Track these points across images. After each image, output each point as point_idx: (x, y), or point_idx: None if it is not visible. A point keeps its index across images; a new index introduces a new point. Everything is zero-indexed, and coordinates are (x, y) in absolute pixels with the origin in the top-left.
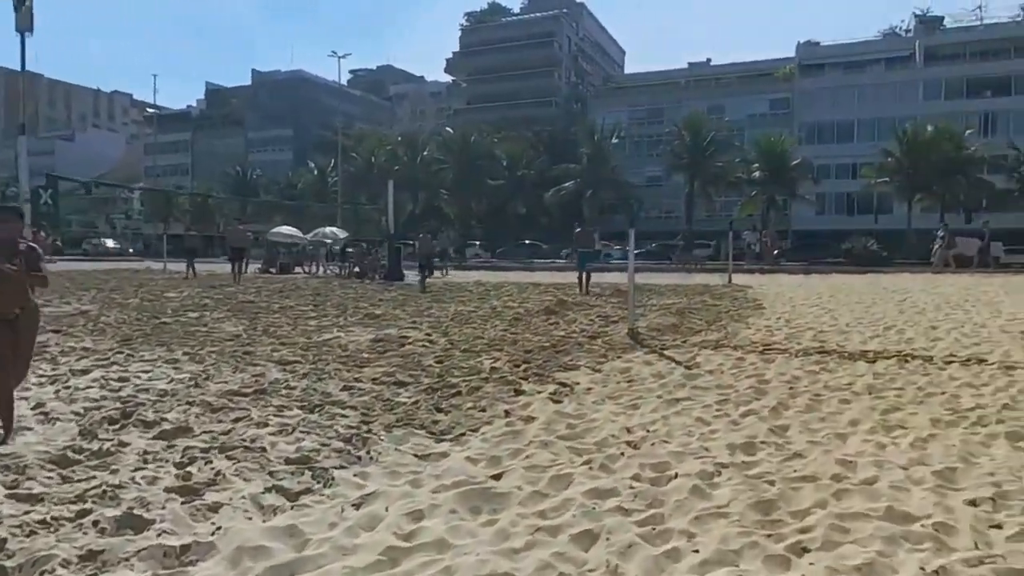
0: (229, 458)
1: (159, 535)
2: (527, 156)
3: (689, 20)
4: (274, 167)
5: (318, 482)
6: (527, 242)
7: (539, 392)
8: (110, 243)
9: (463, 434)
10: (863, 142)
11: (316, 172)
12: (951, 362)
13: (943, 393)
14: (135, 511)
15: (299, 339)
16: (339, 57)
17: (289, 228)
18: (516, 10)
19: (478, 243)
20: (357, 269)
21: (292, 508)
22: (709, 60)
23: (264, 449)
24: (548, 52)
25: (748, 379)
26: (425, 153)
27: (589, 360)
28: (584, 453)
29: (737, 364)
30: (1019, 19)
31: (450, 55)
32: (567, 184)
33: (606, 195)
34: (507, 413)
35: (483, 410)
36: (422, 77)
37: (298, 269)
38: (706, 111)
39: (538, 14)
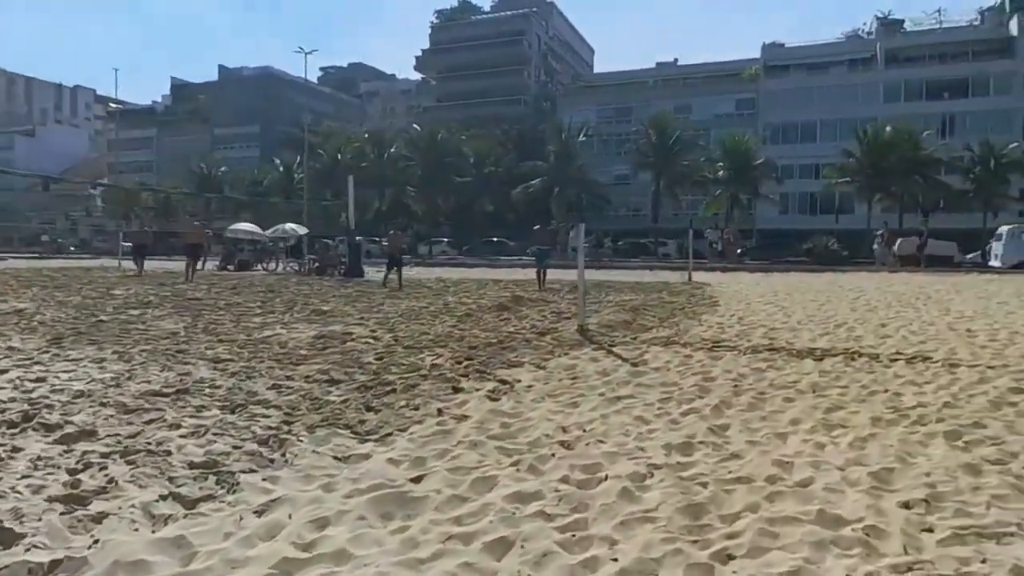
0: (129, 463)
1: (28, 550)
2: (495, 154)
3: (658, 20)
4: (241, 164)
5: (222, 487)
6: (495, 239)
7: (478, 390)
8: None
9: (390, 434)
10: (826, 142)
11: (282, 169)
12: (897, 360)
13: (886, 391)
14: (6, 524)
15: (238, 336)
16: (305, 53)
17: (248, 224)
18: (486, 8)
19: (445, 240)
20: (317, 265)
21: (186, 517)
22: (676, 60)
23: (169, 453)
24: (518, 50)
25: (694, 376)
26: (392, 150)
27: (534, 357)
28: (514, 454)
29: (684, 361)
30: (977, 23)
31: (420, 53)
32: (534, 182)
33: (573, 193)
34: (440, 411)
35: (416, 408)
36: (393, 75)
37: (258, 266)
38: (673, 110)
39: (508, 12)
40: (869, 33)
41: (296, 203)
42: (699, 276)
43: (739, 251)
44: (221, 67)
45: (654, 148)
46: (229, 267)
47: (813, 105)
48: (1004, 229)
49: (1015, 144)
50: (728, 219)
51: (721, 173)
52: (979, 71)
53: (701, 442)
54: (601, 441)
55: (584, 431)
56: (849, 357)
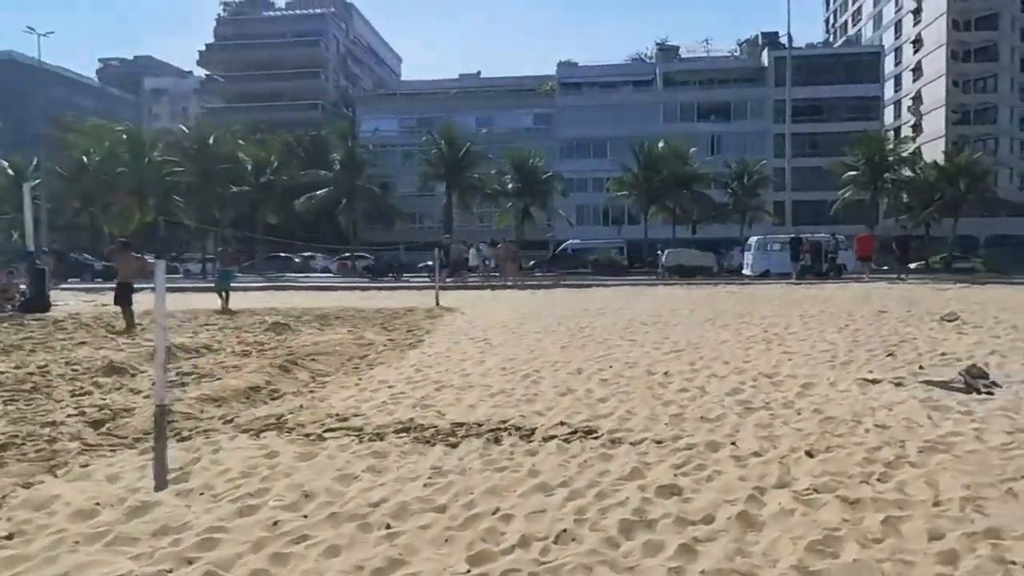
0: None
1: None
2: (280, 160)
3: (465, 32)
4: None
5: None
6: (282, 255)
7: None
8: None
9: None
10: (615, 158)
11: (12, 173)
12: (552, 437)
13: (494, 513)
14: None
15: None
16: (39, 35)
17: None
18: (281, 4)
19: None
20: None
21: None
22: (479, 72)
23: None
24: (314, 52)
25: (233, 505)
26: (156, 154)
27: (7, 483)
28: None
29: (255, 467)
30: (736, 54)
31: (203, 47)
32: (319, 192)
33: (363, 204)
34: None
35: None
36: (191, 72)
37: None
38: (475, 123)
39: (302, 11)
40: (650, 57)
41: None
42: (463, 297)
43: (532, 264)
44: None
45: (444, 160)
46: None
47: (603, 122)
48: (752, 240)
49: (764, 162)
50: (519, 231)
51: (511, 186)
52: (739, 96)
53: None
54: None
55: None
56: (495, 438)
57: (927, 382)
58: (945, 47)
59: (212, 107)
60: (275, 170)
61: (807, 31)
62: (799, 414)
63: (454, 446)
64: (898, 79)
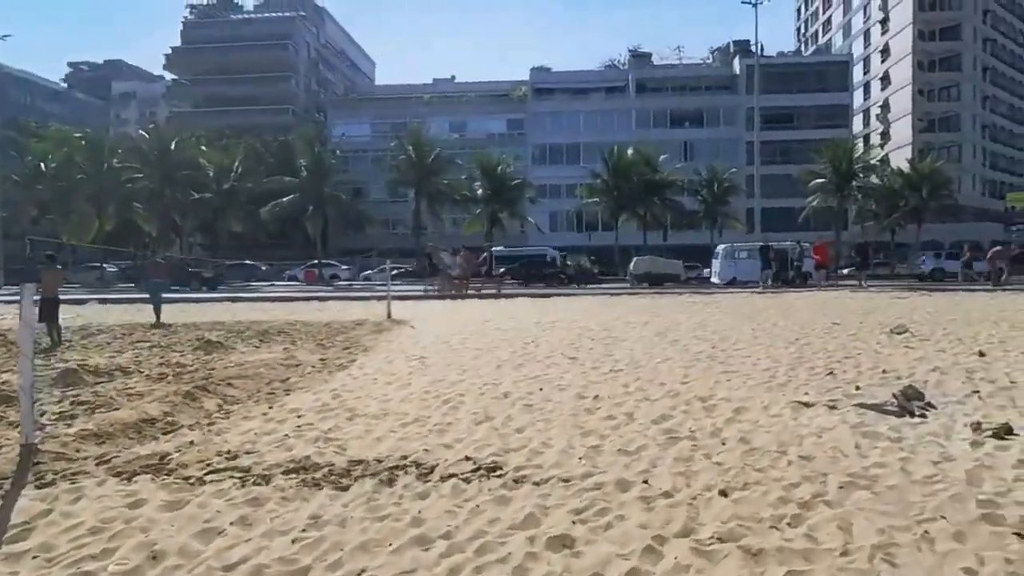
0: None
1: None
2: (246, 166)
3: (438, 37)
4: None
5: None
6: (247, 262)
7: None
8: None
9: None
10: (589, 164)
11: None
12: (451, 476)
13: (361, 575)
14: None
15: None
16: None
17: None
18: (250, 8)
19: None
20: None
21: None
22: (454, 77)
23: None
24: (283, 55)
25: (65, 571)
26: (115, 161)
27: None
28: None
29: (111, 520)
30: (709, 61)
31: (169, 50)
32: (284, 199)
33: (330, 211)
34: None
35: None
36: (162, 76)
37: None
38: (449, 127)
39: (272, 14)
40: (623, 64)
41: None
42: (427, 309)
43: (502, 271)
44: None
45: (412, 165)
46: None
47: (576, 128)
48: (720, 248)
49: (735, 170)
50: (488, 237)
51: (480, 192)
52: (711, 103)
53: None
54: None
55: None
56: (390, 477)
57: (861, 405)
58: (911, 56)
59: (180, 111)
60: (239, 176)
61: (779, 40)
62: (723, 444)
63: (344, 489)
64: (867, 87)
